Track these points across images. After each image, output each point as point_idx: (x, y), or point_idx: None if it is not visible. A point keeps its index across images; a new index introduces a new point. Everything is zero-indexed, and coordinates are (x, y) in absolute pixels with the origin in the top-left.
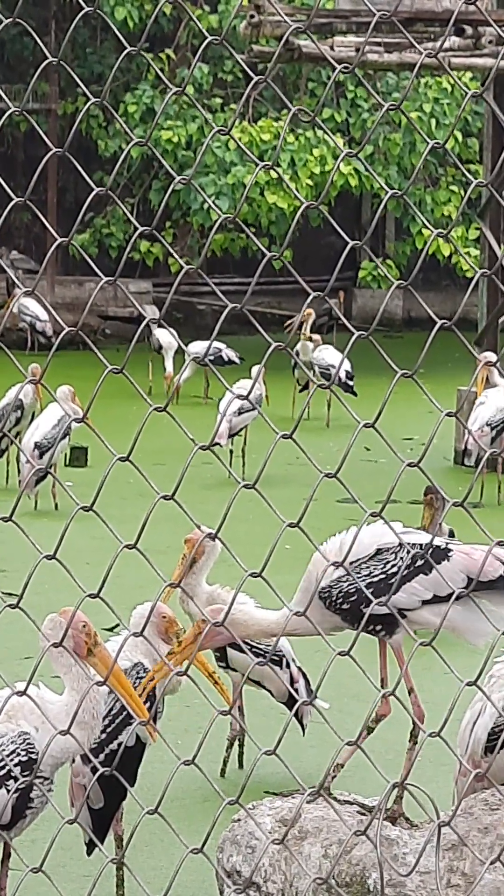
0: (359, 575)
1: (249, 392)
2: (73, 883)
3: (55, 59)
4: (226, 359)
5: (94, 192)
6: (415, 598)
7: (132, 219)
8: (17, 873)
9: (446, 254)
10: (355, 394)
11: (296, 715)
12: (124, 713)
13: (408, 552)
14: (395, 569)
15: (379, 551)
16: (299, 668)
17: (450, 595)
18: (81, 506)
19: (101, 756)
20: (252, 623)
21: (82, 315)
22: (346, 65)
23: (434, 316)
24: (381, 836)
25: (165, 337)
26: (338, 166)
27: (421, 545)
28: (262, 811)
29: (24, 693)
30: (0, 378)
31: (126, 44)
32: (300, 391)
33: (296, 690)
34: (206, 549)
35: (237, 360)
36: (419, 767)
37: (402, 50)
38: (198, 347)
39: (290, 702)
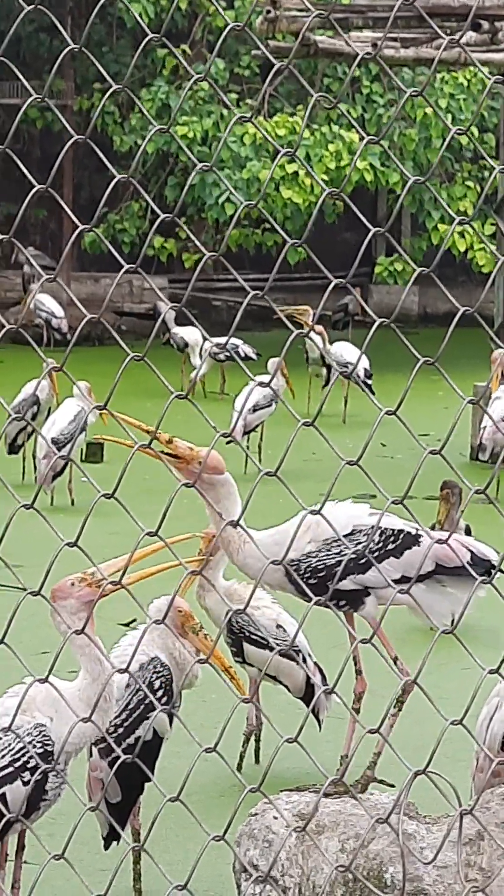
0: (330, 552)
1: (271, 380)
2: (90, 877)
3: (76, 46)
4: (242, 354)
5: (115, 179)
6: (383, 577)
7: (154, 208)
8: (34, 867)
9: (462, 249)
10: (373, 392)
11: (312, 710)
12: (141, 707)
13: (380, 534)
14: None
15: (353, 532)
16: (315, 664)
17: (418, 576)
18: (103, 493)
19: (119, 751)
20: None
21: (100, 309)
22: (368, 51)
23: (456, 303)
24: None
25: (190, 334)
26: (359, 153)
27: (393, 530)
28: (279, 805)
29: (45, 680)
30: (17, 374)
31: (141, 38)
32: (322, 387)
33: (312, 686)
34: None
35: (254, 356)
36: (435, 763)
37: (418, 45)
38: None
39: (306, 697)
